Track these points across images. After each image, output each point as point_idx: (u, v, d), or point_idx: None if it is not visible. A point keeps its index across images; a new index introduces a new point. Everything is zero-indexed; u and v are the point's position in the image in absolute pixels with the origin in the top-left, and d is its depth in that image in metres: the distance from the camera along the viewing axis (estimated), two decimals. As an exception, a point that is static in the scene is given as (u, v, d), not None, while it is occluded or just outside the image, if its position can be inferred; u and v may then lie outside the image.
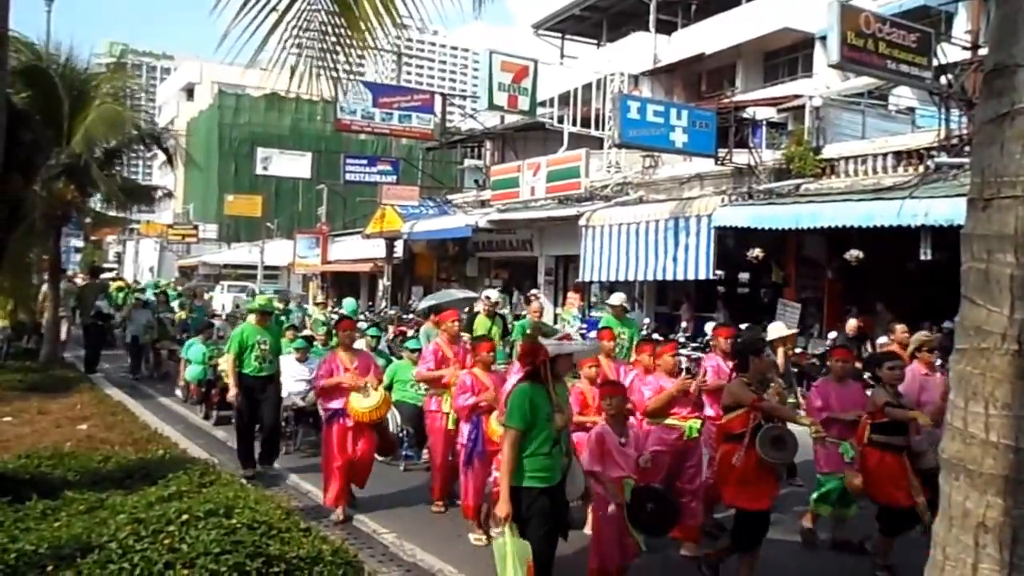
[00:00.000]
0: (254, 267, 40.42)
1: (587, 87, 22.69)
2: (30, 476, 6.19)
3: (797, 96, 18.10)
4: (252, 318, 9.04)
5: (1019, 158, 1.96)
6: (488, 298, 11.40)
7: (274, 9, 4.63)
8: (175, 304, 19.99)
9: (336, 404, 7.57)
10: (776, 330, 8.91)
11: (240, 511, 4.91)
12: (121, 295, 22.78)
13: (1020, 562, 1.93)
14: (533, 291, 17.84)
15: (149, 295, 21.26)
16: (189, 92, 67.93)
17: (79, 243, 38.35)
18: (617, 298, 10.32)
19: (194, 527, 4.53)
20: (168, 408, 12.96)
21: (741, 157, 16.22)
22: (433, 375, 7.75)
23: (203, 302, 21.22)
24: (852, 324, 12.93)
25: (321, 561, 4.47)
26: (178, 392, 13.76)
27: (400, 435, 9.24)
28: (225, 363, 9.15)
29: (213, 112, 56.67)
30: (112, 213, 20.49)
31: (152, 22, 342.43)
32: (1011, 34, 2.00)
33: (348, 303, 16.45)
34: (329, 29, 4.93)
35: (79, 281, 26.04)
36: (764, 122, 17.83)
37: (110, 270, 36.37)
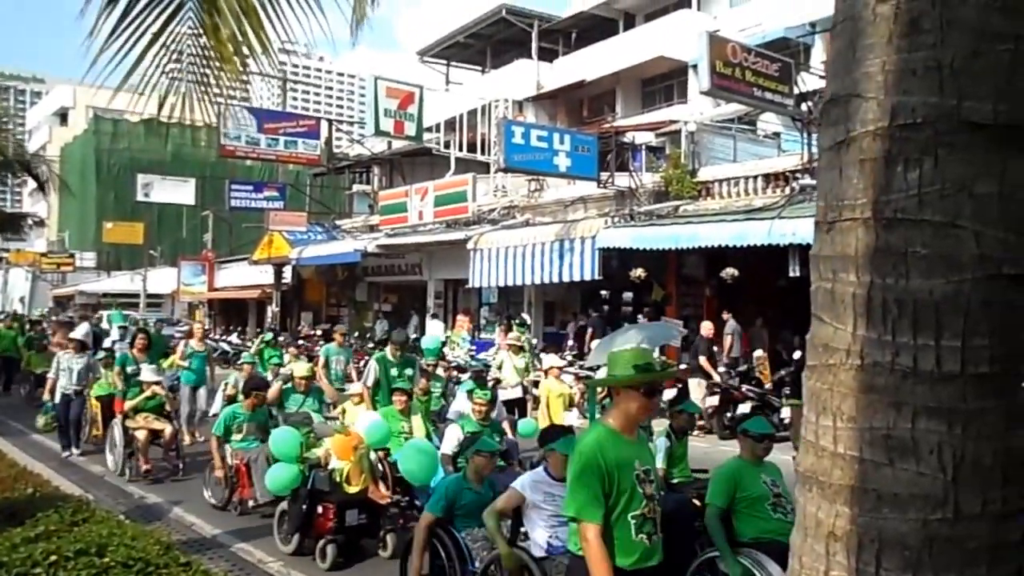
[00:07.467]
0: (136, 295, 38.95)
1: (472, 113, 23.06)
2: None
3: (673, 121, 18.79)
4: (623, 405, 3.45)
5: (856, 183, 2.07)
6: None
7: (146, 31, 4.44)
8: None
9: None
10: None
11: (115, 549, 4.71)
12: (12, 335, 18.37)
13: (865, 567, 2.03)
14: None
15: (83, 333, 13.91)
16: (62, 117, 65.18)
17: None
18: None
19: (63, 568, 4.32)
20: (39, 444, 12.24)
21: (622, 180, 16.78)
22: None
23: (204, 346, 13.49)
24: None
25: (202, 595, 4.29)
26: (207, 494, 8.82)
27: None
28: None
29: (89, 137, 54.44)
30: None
31: (20, 43, 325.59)
32: (844, 66, 2.13)
33: (432, 338, 11.78)
34: (207, 53, 4.79)
35: None
36: (643, 146, 18.49)
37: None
